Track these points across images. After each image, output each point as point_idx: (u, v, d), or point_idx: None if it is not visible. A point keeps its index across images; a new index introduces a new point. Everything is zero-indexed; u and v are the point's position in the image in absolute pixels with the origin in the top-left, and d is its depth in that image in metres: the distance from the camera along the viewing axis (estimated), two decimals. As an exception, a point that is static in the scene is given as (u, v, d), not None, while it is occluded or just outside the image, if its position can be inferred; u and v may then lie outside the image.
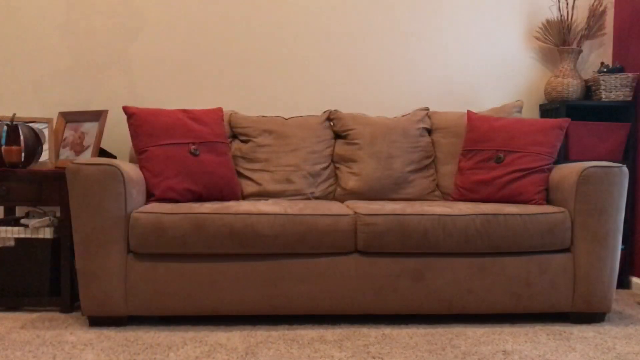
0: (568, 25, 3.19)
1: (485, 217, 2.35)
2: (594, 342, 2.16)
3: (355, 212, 2.37)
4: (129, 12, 3.12)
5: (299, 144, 2.88)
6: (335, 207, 2.46)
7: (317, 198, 2.84)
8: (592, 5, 3.24)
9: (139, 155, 2.63)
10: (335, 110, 3.03)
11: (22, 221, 2.61)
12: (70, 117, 2.95)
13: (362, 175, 2.85)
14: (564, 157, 2.99)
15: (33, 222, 2.55)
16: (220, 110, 2.84)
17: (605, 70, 3.12)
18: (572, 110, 3.04)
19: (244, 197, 2.80)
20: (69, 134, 2.93)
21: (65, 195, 2.28)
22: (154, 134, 2.62)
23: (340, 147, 2.96)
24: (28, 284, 2.55)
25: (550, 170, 2.64)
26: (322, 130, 2.96)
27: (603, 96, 3.08)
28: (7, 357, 1.94)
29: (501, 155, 2.70)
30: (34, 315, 2.45)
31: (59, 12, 3.10)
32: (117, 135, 2.96)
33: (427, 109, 3.06)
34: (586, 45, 3.30)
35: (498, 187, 2.65)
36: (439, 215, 2.34)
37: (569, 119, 2.79)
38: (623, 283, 3.03)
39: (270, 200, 2.65)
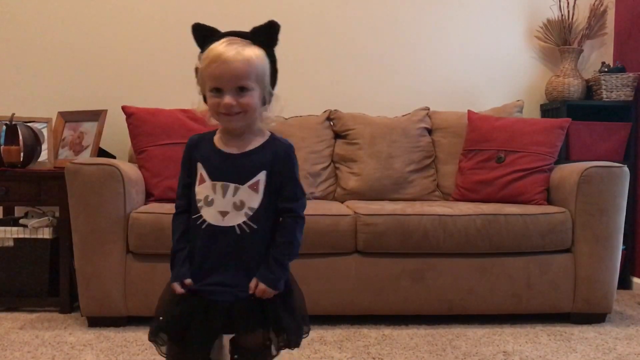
0: (569, 25, 3.18)
1: (486, 218, 2.34)
2: (594, 343, 2.16)
3: (355, 212, 2.36)
4: (128, 12, 3.11)
5: (299, 144, 2.86)
6: (335, 207, 2.45)
7: (317, 198, 2.83)
8: (593, 4, 3.23)
9: (138, 155, 2.62)
10: (335, 110, 3.02)
11: (21, 221, 2.60)
12: (70, 117, 2.94)
13: (362, 175, 2.84)
14: (564, 157, 2.98)
15: (32, 222, 2.54)
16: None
17: (606, 70, 3.10)
18: (573, 110, 3.03)
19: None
20: (68, 133, 2.92)
21: (65, 195, 2.27)
22: (153, 134, 2.61)
23: (340, 147, 2.95)
24: (27, 284, 2.54)
25: (551, 170, 2.63)
26: (322, 130, 2.95)
27: (604, 96, 3.07)
28: (6, 358, 1.94)
29: (502, 155, 2.69)
30: (33, 315, 2.44)
31: (58, 11, 3.09)
32: (116, 135, 2.95)
33: (428, 108, 3.05)
34: (587, 45, 3.28)
35: (499, 187, 2.64)
36: (440, 215, 2.33)
37: (569, 119, 2.78)
38: (624, 283, 3.02)
39: (270, 200, 2.63)
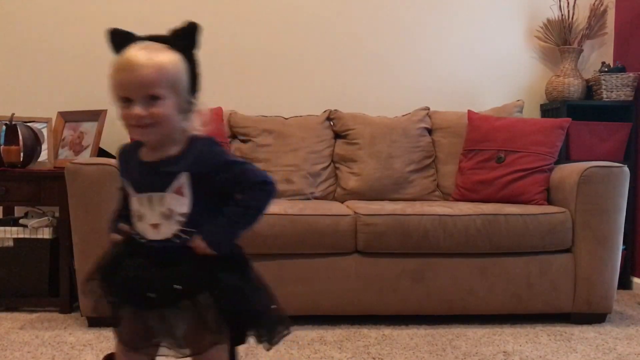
0: (569, 25, 3.18)
1: (486, 218, 2.33)
2: (594, 343, 2.16)
3: (356, 213, 2.36)
4: (128, 12, 3.11)
5: (299, 144, 2.87)
6: (335, 208, 2.45)
7: (317, 198, 2.83)
8: (593, 4, 3.23)
9: (138, 155, 2.61)
10: (335, 110, 3.02)
11: (21, 221, 2.60)
12: (69, 117, 2.94)
13: (362, 175, 2.84)
14: (564, 157, 2.98)
15: (32, 222, 2.54)
16: (219, 109, 2.83)
17: (606, 69, 3.10)
18: (573, 110, 3.02)
19: (244, 197, 2.78)
20: (67, 133, 2.92)
21: (64, 195, 2.27)
22: (153, 134, 2.61)
23: (341, 147, 2.95)
24: (27, 284, 2.54)
25: (551, 170, 2.63)
26: (322, 130, 2.95)
27: (604, 96, 3.07)
28: (6, 358, 1.94)
29: (502, 155, 2.69)
30: (33, 315, 2.44)
31: (58, 11, 3.09)
32: (116, 134, 2.93)
33: (428, 108, 3.05)
34: (587, 45, 3.28)
35: (499, 187, 2.64)
36: (440, 215, 2.33)
37: (569, 119, 2.78)
38: (624, 283, 3.02)
39: (270, 200, 2.63)
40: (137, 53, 1.10)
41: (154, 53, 1.10)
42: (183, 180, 1.14)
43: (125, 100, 1.10)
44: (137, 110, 1.09)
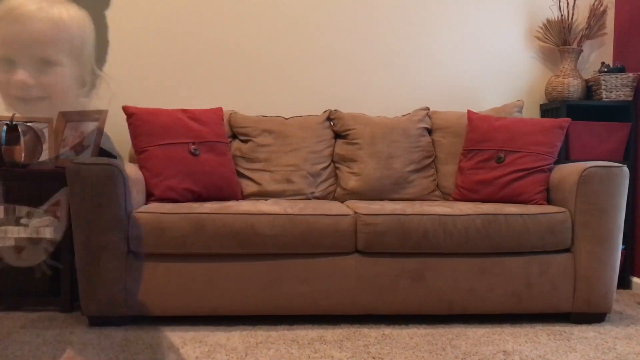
0: (569, 25, 3.19)
1: (486, 217, 2.34)
2: (594, 343, 2.16)
3: (356, 212, 2.37)
4: (127, 12, 3.12)
5: (299, 144, 2.87)
6: (335, 207, 2.45)
7: (317, 198, 2.84)
8: (593, 4, 3.24)
9: (139, 155, 2.62)
10: (335, 110, 3.02)
11: (22, 221, 2.60)
12: (70, 117, 2.94)
13: (362, 175, 2.85)
14: (564, 157, 2.99)
15: (33, 222, 2.55)
16: (220, 110, 2.84)
17: (605, 70, 3.11)
18: (573, 110, 3.04)
19: (244, 197, 2.80)
20: (68, 133, 2.92)
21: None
22: (153, 134, 2.61)
23: (341, 147, 2.95)
24: (28, 283, 2.54)
25: (550, 170, 2.64)
26: (322, 130, 2.96)
27: (604, 96, 3.08)
28: (7, 357, 1.94)
29: (502, 155, 2.70)
30: (34, 315, 2.45)
31: (59, 11, 3.09)
32: (117, 135, 2.95)
33: (428, 108, 3.06)
34: (587, 45, 3.29)
35: (498, 187, 2.65)
36: (440, 215, 2.34)
37: (569, 119, 2.78)
38: (624, 283, 3.03)
39: (270, 200, 2.65)
40: (29, 0, 0.76)
41: (50, 3, 0.75)
42: (61, 196, 0.92)
43: (7, 61, 0.80)
44: (22, 75, 0.83)
